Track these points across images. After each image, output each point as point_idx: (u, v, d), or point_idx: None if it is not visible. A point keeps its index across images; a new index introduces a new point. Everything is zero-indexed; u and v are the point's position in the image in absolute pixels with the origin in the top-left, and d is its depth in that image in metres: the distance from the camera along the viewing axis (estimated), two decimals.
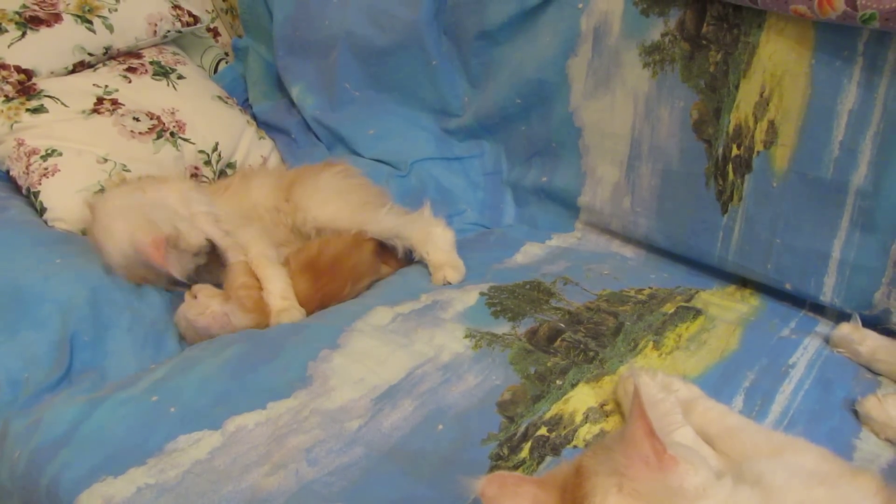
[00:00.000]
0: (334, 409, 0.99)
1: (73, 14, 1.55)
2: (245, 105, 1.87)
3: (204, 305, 1.19)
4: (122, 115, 1.51)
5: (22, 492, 0.94)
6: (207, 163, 1.60)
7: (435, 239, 1.38)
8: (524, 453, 0.92)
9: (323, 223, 1.38)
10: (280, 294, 1.25)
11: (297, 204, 1.40)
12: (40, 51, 1.50)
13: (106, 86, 1.55)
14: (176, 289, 1.26)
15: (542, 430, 0.95)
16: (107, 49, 1.59)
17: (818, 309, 1.25)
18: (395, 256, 1.43)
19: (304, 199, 1.39)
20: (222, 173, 1.65)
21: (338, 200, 1.41)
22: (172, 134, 1.56)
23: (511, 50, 1.52)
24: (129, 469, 0.89)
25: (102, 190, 1.40)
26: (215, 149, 1.63)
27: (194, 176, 1.57)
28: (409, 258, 1.44)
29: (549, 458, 0.91)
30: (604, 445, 0.65)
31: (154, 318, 1.21)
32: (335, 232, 1.37)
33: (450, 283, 1.33)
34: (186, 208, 1.28)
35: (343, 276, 1.32)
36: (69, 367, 1.10)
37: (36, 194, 1.38)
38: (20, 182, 1.41)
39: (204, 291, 1.21)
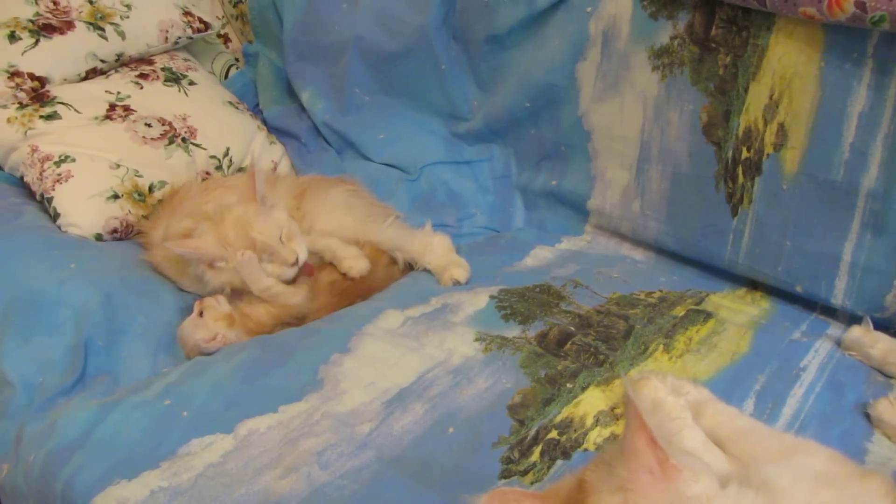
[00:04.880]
0: (345, 413, 0.99)
1: (85, 21, 1.56)
2: (256, 110, 1.88)
3: (211, 329, 1.18)
4: (135, 121, 1.52)
5: (37, 495, 0.95)
6: (219, 168, 1.61)
7: (433, 247, 1.41)
8: (535, 457, 0.92)
9: (328, 232, 1.41)
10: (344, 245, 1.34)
11: (305, 212, 1.43)
12: (53, 58, 1.51)
13: (118, 92, 1.56)
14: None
15: (553, 434, 0.95)
16: (119, 56, 1.60)
17: (829, 312, 1.25)
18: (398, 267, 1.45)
19: (314, 209, 1.44)
20: None
21: (344, 211, 1.45)
22: (184, 139, 1.57)
23: (520, 54, 1.52)
24: (143, 472, 0.90)
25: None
26: (226, 154, 1.64)
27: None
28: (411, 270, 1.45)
29: (559, 462, 0.91)
30: (603, 460, 0.64)
31: (167, 323, 1.22)
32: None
33: (459, 282, 1.34)
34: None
35: (360, 294, 1.34)
36: (83, 372, 1.11)
37: (49, 200, 1.39)
38: (34, 188, 1.42)
39: (210, 312, 1.20)
